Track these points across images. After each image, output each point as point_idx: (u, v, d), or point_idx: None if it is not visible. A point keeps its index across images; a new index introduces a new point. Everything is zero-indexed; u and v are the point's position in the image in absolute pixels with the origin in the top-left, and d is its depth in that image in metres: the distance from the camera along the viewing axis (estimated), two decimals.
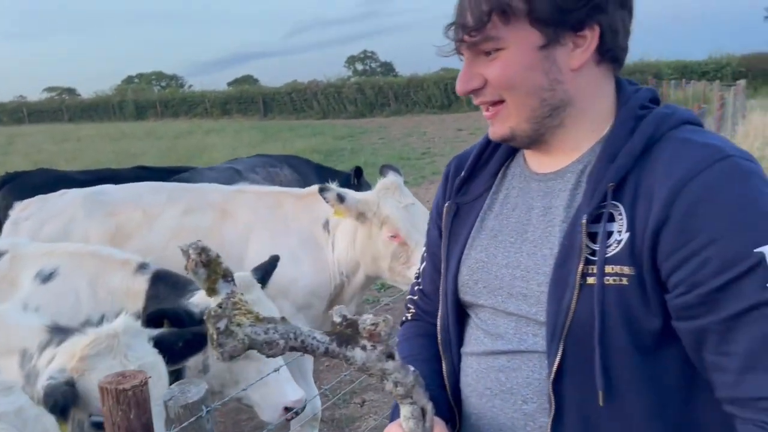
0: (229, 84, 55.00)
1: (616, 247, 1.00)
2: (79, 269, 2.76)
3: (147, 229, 3.41)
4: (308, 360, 3.37)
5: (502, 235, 1.17)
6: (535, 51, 1.05)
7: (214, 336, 0.96)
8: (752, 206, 0.93)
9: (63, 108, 41.51)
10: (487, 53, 1.08)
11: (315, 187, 3.42)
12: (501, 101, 1.10)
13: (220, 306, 0.99)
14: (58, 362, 1.91)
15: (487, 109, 1.12)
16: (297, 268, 3.35)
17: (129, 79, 65.87)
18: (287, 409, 2.58)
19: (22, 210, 3.77)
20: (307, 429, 3.48)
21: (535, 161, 1.17)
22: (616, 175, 1.01)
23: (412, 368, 1.07)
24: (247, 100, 34.59)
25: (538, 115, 1.09)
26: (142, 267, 2.72)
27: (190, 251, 1.05)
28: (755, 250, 0.91)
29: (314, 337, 1.03)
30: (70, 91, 61.57)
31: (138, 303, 2.65)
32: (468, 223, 1.22)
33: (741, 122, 14.34)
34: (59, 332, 2.04)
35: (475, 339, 1.19)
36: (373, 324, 1.04)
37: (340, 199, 3.18)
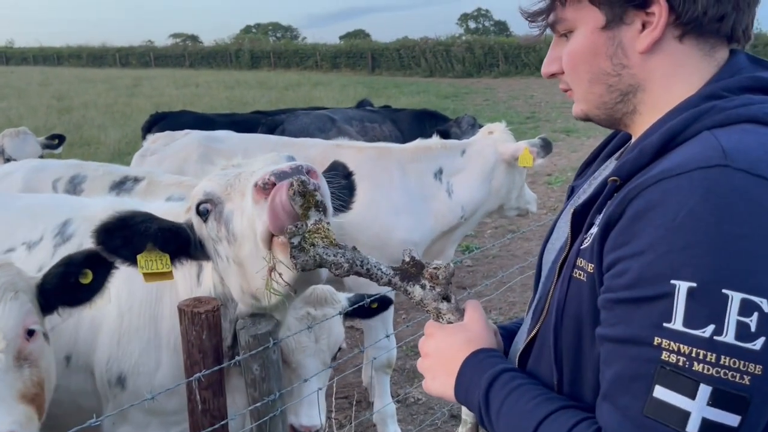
0: (341, 38, 55.51)
1: (589, 240, 0.94)
2: None
3: None
4: (390, 314, 3.58)
5: (563, 218, 1.14)
6: (597, 32, 0.97)
7: (289, 249, 1.13)
8: (696, 231, 0.79)
9: (185, 54, 43.73)
10: (565, 35, 1.02)
11: (426, 140, 3.83)
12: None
13: (295, 226, 1.15)
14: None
15: (566, 90, 1.08)
16: (396, 219, 3.55)
17: (247, 29, 68.12)
18: (293, 429, 2.62)
19: (152, 143, 4.21)
20: (381, 374, 3.68)
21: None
22: (618, 171, 0.93)
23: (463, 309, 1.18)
24: (356, 54, 34.75)
25: (607, 101, 1.01)
26: None
27: (293, 182, 1.29)
28: (671, 281, 0.79)
29: (379, 268, 1.14)
30: (193, 38, 64.55)
31: None
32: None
33: None
34: None
35: None
36: (435, 267, 1.15)
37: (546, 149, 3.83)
